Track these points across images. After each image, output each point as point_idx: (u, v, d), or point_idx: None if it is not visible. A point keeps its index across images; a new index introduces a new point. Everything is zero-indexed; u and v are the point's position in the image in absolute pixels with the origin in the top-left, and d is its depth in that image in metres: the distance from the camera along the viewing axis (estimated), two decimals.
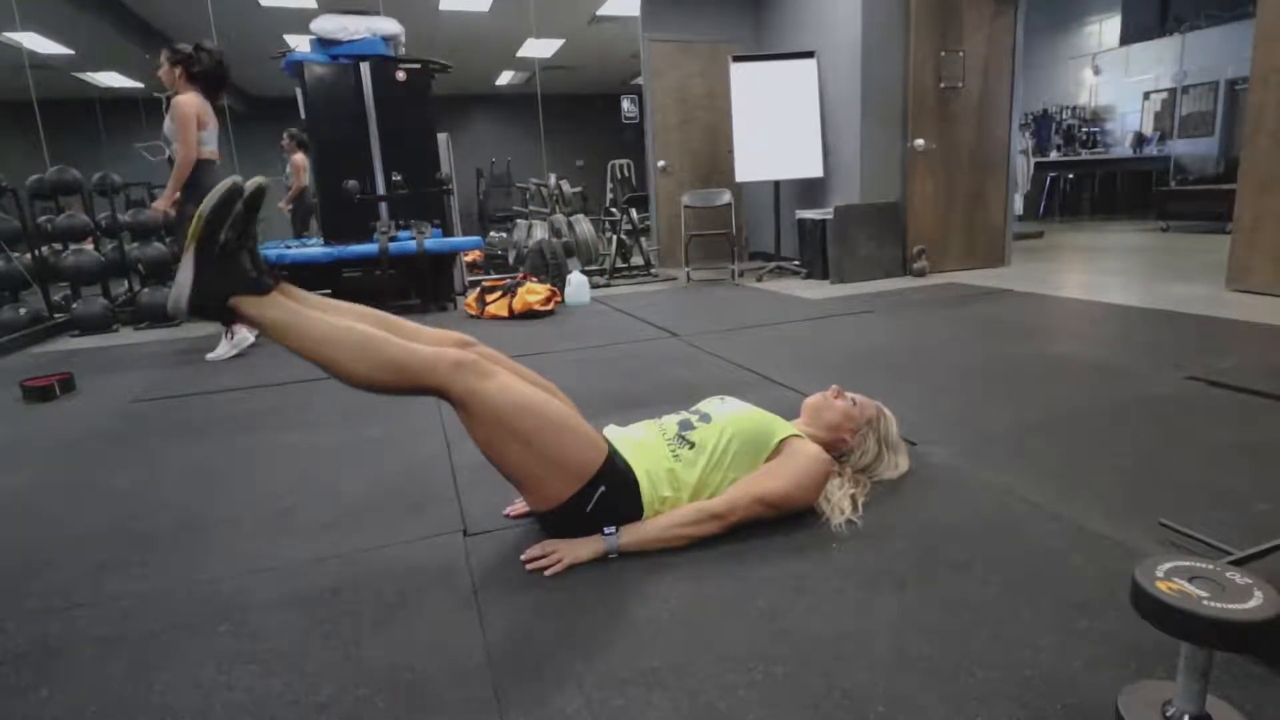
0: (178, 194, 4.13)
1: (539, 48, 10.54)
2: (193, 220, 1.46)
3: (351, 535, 1.88)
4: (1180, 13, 10.86)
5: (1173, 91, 10.94)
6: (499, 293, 5.39)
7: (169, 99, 4.10)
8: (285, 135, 8.00)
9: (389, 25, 6.04)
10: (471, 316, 5.43)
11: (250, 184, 1.52)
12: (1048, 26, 12.12)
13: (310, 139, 6.09)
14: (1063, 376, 3.04)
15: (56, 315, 5.78)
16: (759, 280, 6.70)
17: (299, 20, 7.63)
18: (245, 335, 4.30)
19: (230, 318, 1.54)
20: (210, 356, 4.18)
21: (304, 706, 1.23)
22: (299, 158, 7.91)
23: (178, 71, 4.09)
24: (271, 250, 5.51)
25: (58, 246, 6.10)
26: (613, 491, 1.65)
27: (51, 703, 1.28)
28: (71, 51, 9.14)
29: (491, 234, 9.86)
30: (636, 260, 7.77)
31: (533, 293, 5.33)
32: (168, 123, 4.12)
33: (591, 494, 1.63)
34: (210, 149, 4.20)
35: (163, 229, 6.03)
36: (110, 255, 6.14)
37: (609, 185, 9.82)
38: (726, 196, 6.87)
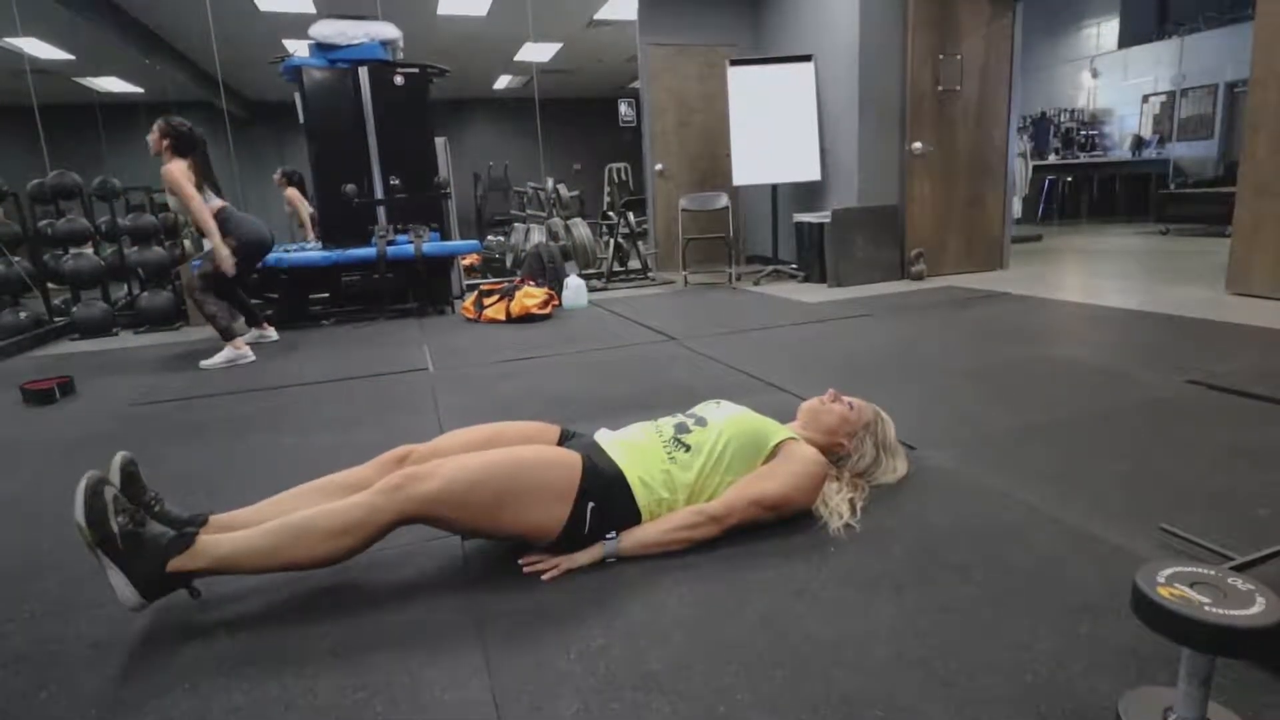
0: (219, 236, 4.29)
1: (536, 52, 10.54)
2: (78, 532, 1.39)
3: None
4: (1179, 15, 10.87)
5: (1171, 94, 10.95)
6: (496, 296, 5.39)
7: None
8: (278, 172, 8.04)
9: (387, 30, 6.05)
10: (469, 320, 5.43)
11: (114, 464, 1.51)
12: (1046, 29, 12.14)
13: (309, 143, 6.08)
14: (1062, 380, 3.04)
15: (56, 319, 5.78)
16: (756, 284, 6.70)
17: (298, 25, 7.62)
18: (247, 352, 4.29)
19: (184, 582, 1.48)
20: (204, 364, 4.17)
21: (302, 710, 1.23)
22: (291, 193, 7.93)
23: (166, 143, 4.20)
24: (270, 255, 5.50)
25: (58, 250, 6.10)
26: (603, 502, 1.65)
27: (51, 705, 1.28)
28: (72, 57, 9.13)
29: (489, 238, 9.86)
30: (634, 264, 7.77)
31: (530, 296, 5.33)
32: (168, 196, 4.33)
33: (583, 512, 1.62)
34: (216, 202, 4.33)
35: (163, 232, 6.03)
36: (110, 259, 6.15)
37: (606, 189, 9.83)
38: (724, 200, 6.87)
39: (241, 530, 1.52)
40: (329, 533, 1.49)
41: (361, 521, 1.49)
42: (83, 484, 1.39)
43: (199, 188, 4.23)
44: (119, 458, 1.55)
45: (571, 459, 1.67)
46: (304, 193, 7.89)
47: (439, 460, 1.59)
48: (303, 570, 1.55)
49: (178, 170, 4.14)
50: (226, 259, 4.28)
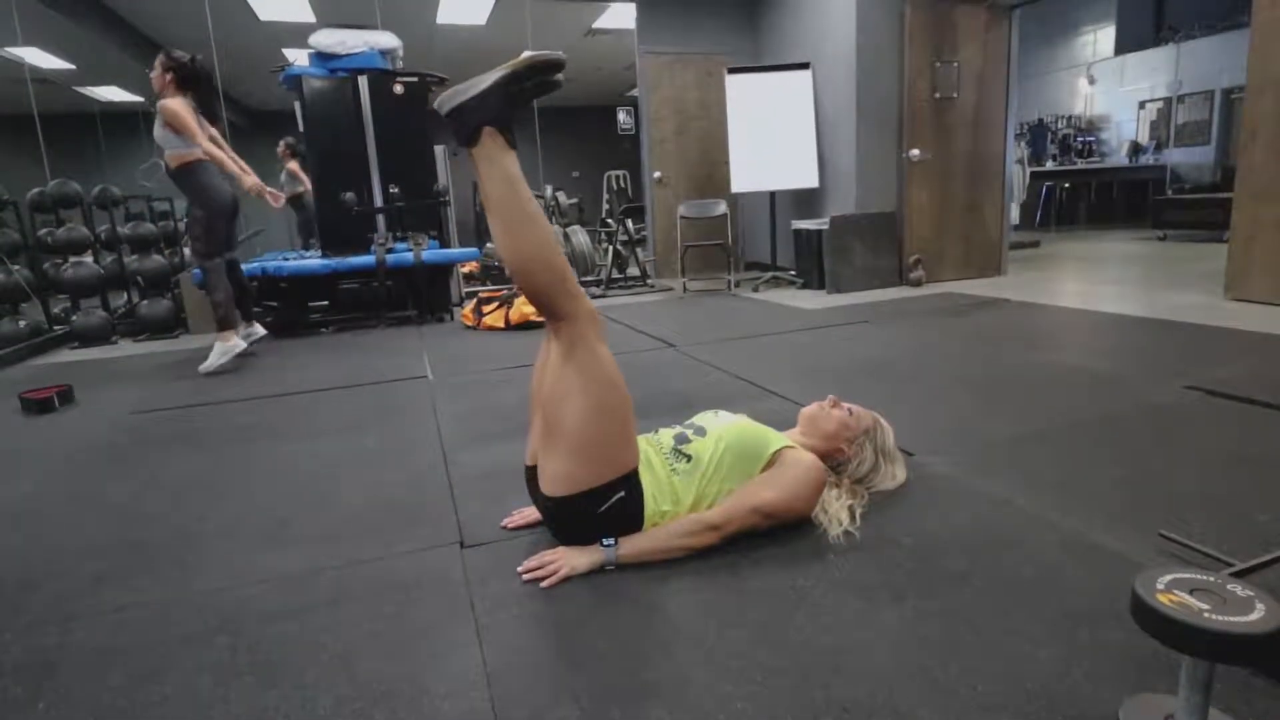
0: (232, 166, 4.27)
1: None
2: (520, 58, 1.55)
3: (348, 547, 1.88)
4: (1175, 22, 10.90)
5: (1168, 101, 10.98)
6: (496, 304, 5.40)
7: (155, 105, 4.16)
8: (282, 144, 8.03)
9: (387, 39, 6.07)
10: (468, 327, 5.43)
11: (563, 64, 1.61)
12: (1042, 36, 12.17)
13: (309, 152, 6.10)
14: (1061, 386, 3.04)
15: (56, 327, 5.78)
16: (755, 290, 6.71)
17: (298, 35, 7.65)
18: (238, 342, 4.29)
19: (471, 142, 1.57)
20: (203, 368, 4.17)
21: (301, 718, 1.23)
22: (294, 165, 7.93)
23: (169, 77, 4.14)
24: (270, 262, 5.51)
25: (58, 259, 6.11)
26: (627, 501, 1.65)
27: (49, 715, 1.27)
28: (72, 66, 9.16)
29: (488, 245, 9.85)
30: (633, 271, 7.78)
31: (529, 304, 5.32)
32: (158, 128, 4.17)
33: (610, 495, 1.63)
34: (199, 150, 4.21)
35: (162, 241, 6.03)
36: (110, 268, 6.15)
37: (605, 196, 9.85)
38: (722, 207, 6.88)
39: (525, 187, 1.62)
40: (551, 258, 1.61)
41: (566, 285, 1.60)
42: (559, 54, 1.57)
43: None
44: (559, 55, 1.61)
45: (638, 455, 1.71)
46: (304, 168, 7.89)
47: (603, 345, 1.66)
48: (500, 238, 1.60)
49: (179, 104, 4.08)
50: (254, 187, 4.28)
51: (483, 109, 1.55)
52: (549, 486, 1.66)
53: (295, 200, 7.85)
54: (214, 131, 4.32)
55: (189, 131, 4.07)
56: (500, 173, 1.57)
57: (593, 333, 1.60)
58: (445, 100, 1.57)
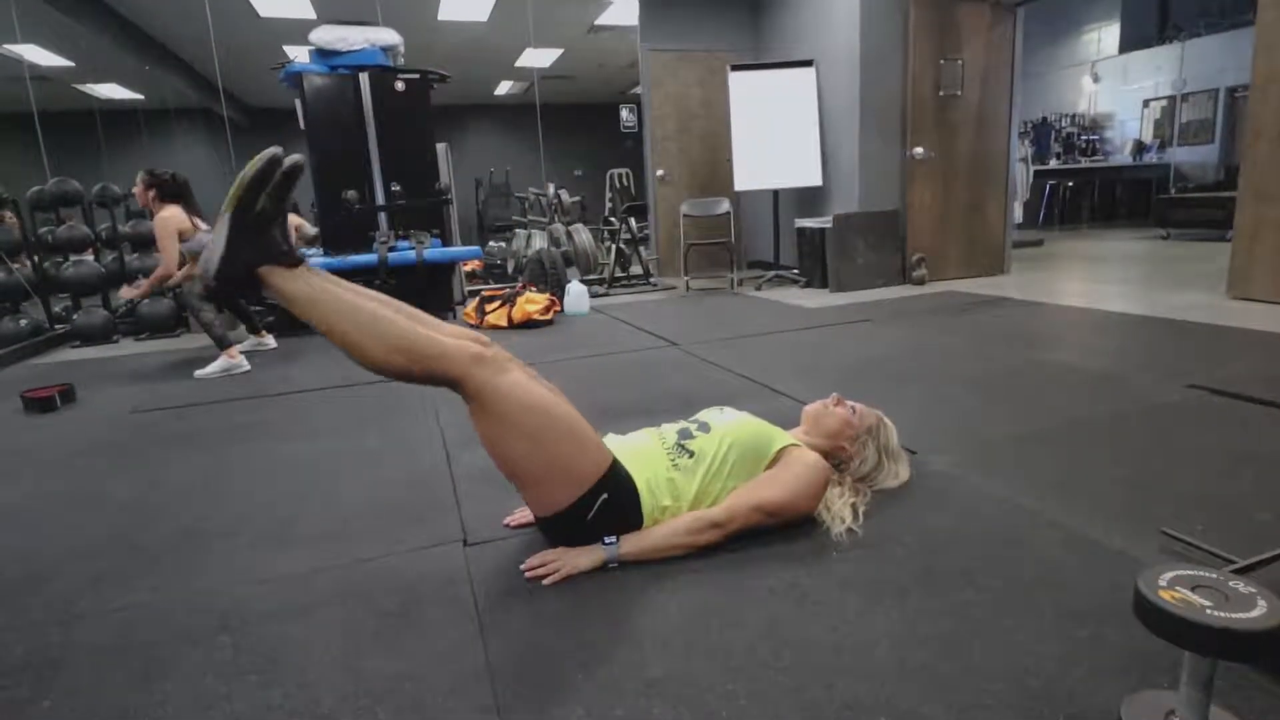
0: (141, 285, 4.49)
1: (537, 57, 10.56)
2: (233, 185, 1.47)
3: (352, 545, 1.88)
4: (1179, 20, 10.89)
5: (1172, 99, 10.97)
6: (498, 302, 5.40)
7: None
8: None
9: (388, 36, 6.06)
10: (471, 326, 5.43)
11: (289, 159, 1.53)
12: (1046, 34, 12.16)
13: (309, 149, 6.09)
14: (1063, 385, 3.04)
15: (57, 326, 5.78)
16: (758, 289, 6.70)
17: (298, 31, 7.65)
18: (242, 361, 4.27)
19: (255, 290, 1.52)
20: (199, 374, 4.16)
21: (305, 717, 1.23)
22: (291, 219, 7.90)
23: (151, 194, 4.30)
24: None
25: (58, 258, 6.11)
26: (615, 500, 1.65)
27: (53, 714, 1.28)
28: (72, 63, 9.16)
29: (490, 243, 9.87)
30: (635, 269, 7.78)
31: (532, 302, 5.33)
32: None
33: (593, 501, 1.62)
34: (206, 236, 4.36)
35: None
36: (110, 266, 6.15)
37: (608, 194, 9.83)
38: (725, 205, 6.88)
39: (334, 287, 1.56)
40: (400, 345, 1.52)
41: (432, 358, 1.52)
42: (270, 152, 1.45)
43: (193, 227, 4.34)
44: (293, 158, 1.55)
45: (606, 452, 1.68)
46: (297, 213, 7.87)
47: (518, 368, 1.62)
48: (348, 353, 1.53)
49: (165, 220, 4.23)
50: (126, 295, 4.47)
51: (238, 259, 1.48)
52: (533, 510, 1.69)
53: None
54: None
55: (163, 251, 4.27)
56: (302, 304, 1.51)
57: (489, 374, 1.54)
58: (204, 270, 1.50)
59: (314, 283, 1.53)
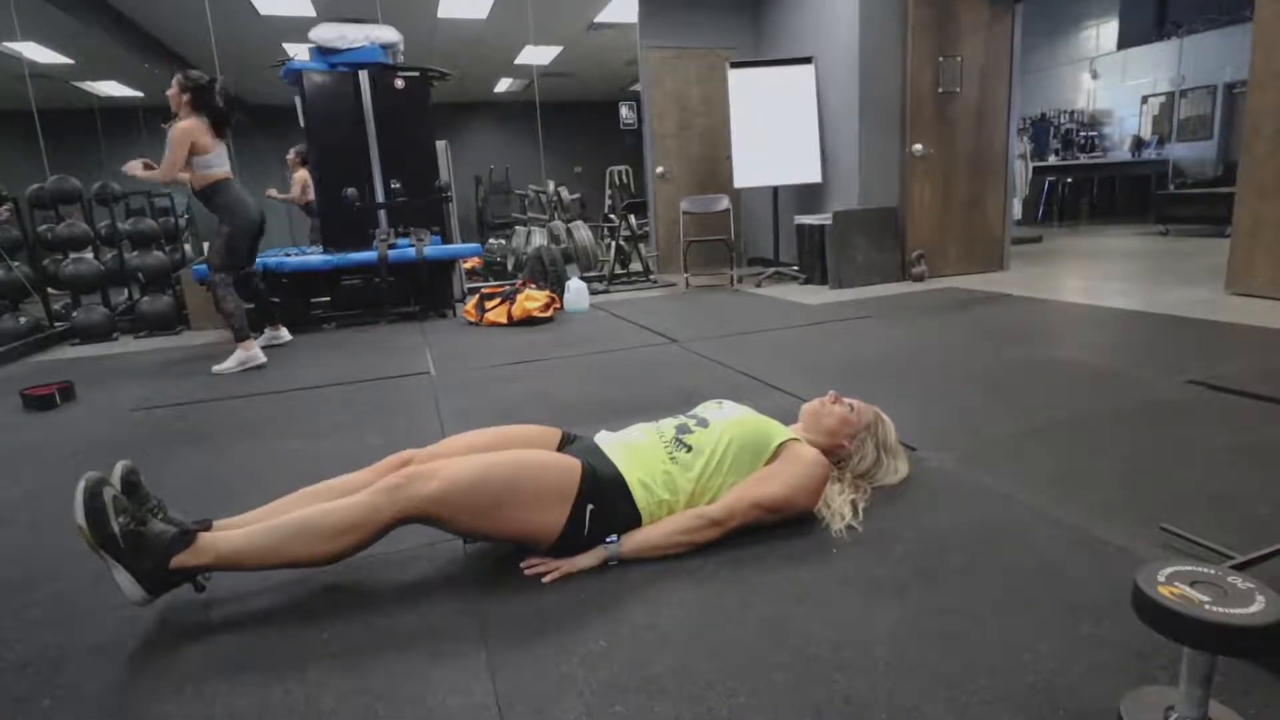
0: (151, 170, 4.23)
1: (537, 55, 10.55)
2: (79, 533, 1.41)
3: None
4: (1178, 17, 10.88)
5: (1171, 95, 10.96)
6: (498, 300, 5.40)
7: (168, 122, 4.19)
8: (292, 152, 8.00)
9: (388, 34, 6.06)
10: (470, 323, 5.43)
11: (115, 473, 1.52)
12: (1045, 31, 12.15)
13: (310, 147, 6.10)
14: (1063, 381, 3.04)
15: (57, 324, 5.78)
16: (758, 286, 6.70)
17: (298, 29, 7.64)
18: (257, 354, 4.27)
19: (188, 577, 1.50)
20: (216, 369, 4.17)
21: (305, 715, 1.23)
22: (302, 174, 7.91)
23: (185, 97, 4.15)
24: (271, 259, 5.51)
25: (58, 255, 6.11)
26: (603, 504, 1.65)
27: (54, 712, 1.28)
28: (71, 61, 9.15)
29: (490, 241, 9.86)
30: (635, 266, 7.77)
31: (532, 299, 5.33)
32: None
33: (582, 515, 1.62)
34: (222, 170, 4.27)
35: (163, 237, 6.02)
36: (110, 264, 6.15)
37: (608, 191, 9.83)
38: (725, 202, 6.87)
39: (243, 531, 1.53)
40: (330, 531, 1.50)
41: (362, 521, 1.50)
42: (81, 485, 1.41)
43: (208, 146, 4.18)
44: (119, 467, 1.56)
45: (570, 463, 1.67)
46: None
47: (441, 461, 1.60)
48: (304, 568, 1.55)
49: (182, 130, 4.08)
50: (134, 170, 4.24)
51: (149, 575, 1.44)
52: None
53: (307, 207, 7.83)
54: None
55: (169, 163, 4.09)
56: (229, 562, 1.48)
57: (413, 492, 1.51)
58: (138, 601, 1.45)
59: (227, 541, 1.49)
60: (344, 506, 1.52)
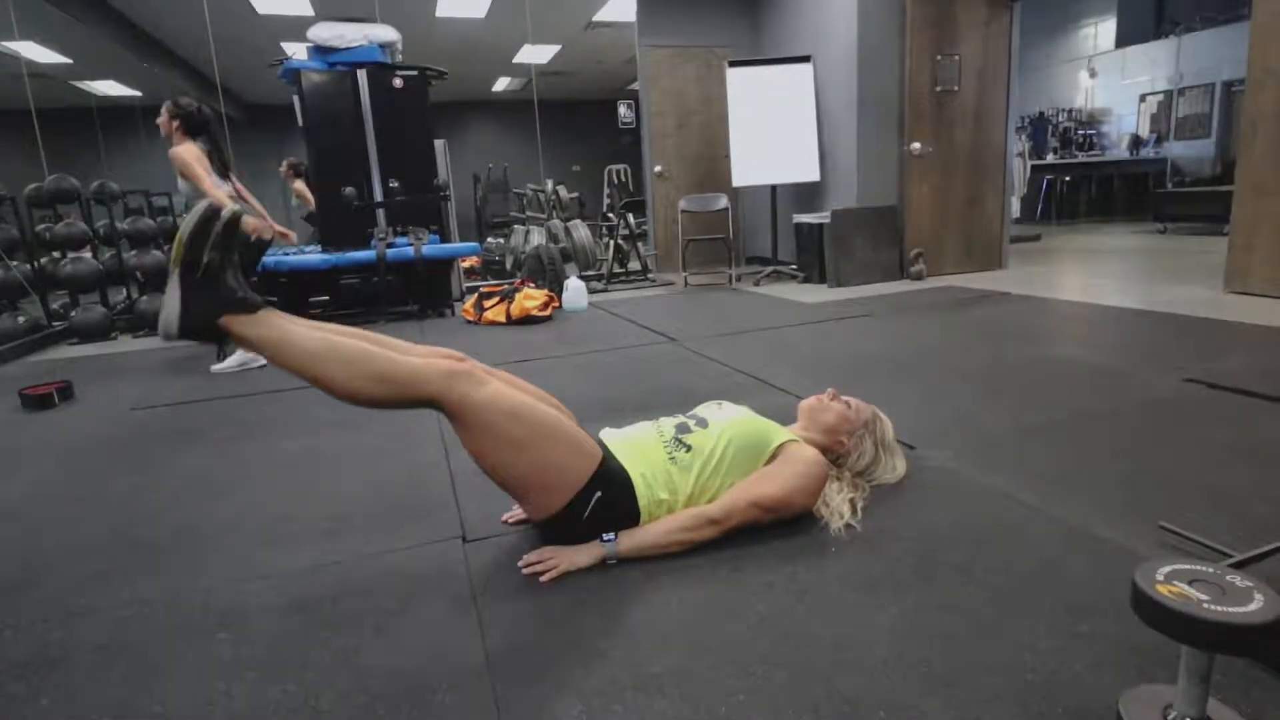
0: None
1: (535, 54, 10.54)
2: (174, 244, 1.47)
3: (351, 542, 1.88)
4: (1176, 15, 10.88)
5: (1169, 94, 10.97)
6: (497, 298, 5.39)
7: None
8: (284, 164, 8.00)
9: (386, 33, 6.05)
10: (469, 322, 5.43)
11: (226, 211, 1.53)
12: (1043, 30, 12.15)
13: (308, 146, 6.09)
14: (1061, 379, 3.04)
15: (55, 323, 5.77)
16: (756, 284, 6.70)
17: (296, 28, 7.63)
18: (257, 355, 4.27)
19: (222, 338, 1.53)
20: (215, 368, 4.17)
21: (304, 713, 1.23)
22: (299, 185, 7.91)
23: (175, 124, 4.17)
24: (269, 258, 5.50)
25: (56, 255, 6.10)
26: (609, 496, 1.65)
27: (52, 711, 1.28)
28: (69, 60, 9.14)
29: (489, 240, 9.86)
30: (634, 265, 7.77)
31: (530, 298, 5.33)
32: (180, 181, 4.21)
33: (587, 500, 1.63)
34: (225, 188, 4.26)
35: (161, 236, 6.01)
36: (108, 263, 6.15)
37: (606, 190, 9.83)
38: (723, 201, 6.87)
39: (298, 327, 1.55)
40: (373, 373, 1.52)
41: (406, 381, 1.52)
42: (205, 205, 1.46)
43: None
44: (230, 208, 1.56)
45: (595, 449, 1.69)
46: (309, 184, 7.87)
47: (497, 379, 1.62)
48: (326, 392, 1.53)
49: (187, 152, 4.08)
50: (257, 225, 4.26)
51: (197, 314, 1.48)
52: (529, 515, 1.69)
53: (309, 219, 7.82)
54: (234, 180, 4.35)
55: (195, 179, 4.07)
56: (270, 348, 1.51)
57: (467, 390, 1.54)
58: (165, 331, 1.50)
59: (279, 325, 1.53)
60: (396, 360, 1.54)
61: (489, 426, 1.55)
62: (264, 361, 4.21)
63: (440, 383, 1.53)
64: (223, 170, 4.31)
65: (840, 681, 1.22)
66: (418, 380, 1.53)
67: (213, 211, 1.48)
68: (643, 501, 1.69)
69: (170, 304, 1.47)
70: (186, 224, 1.45)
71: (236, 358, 4.20)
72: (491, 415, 1.55)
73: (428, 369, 1.54)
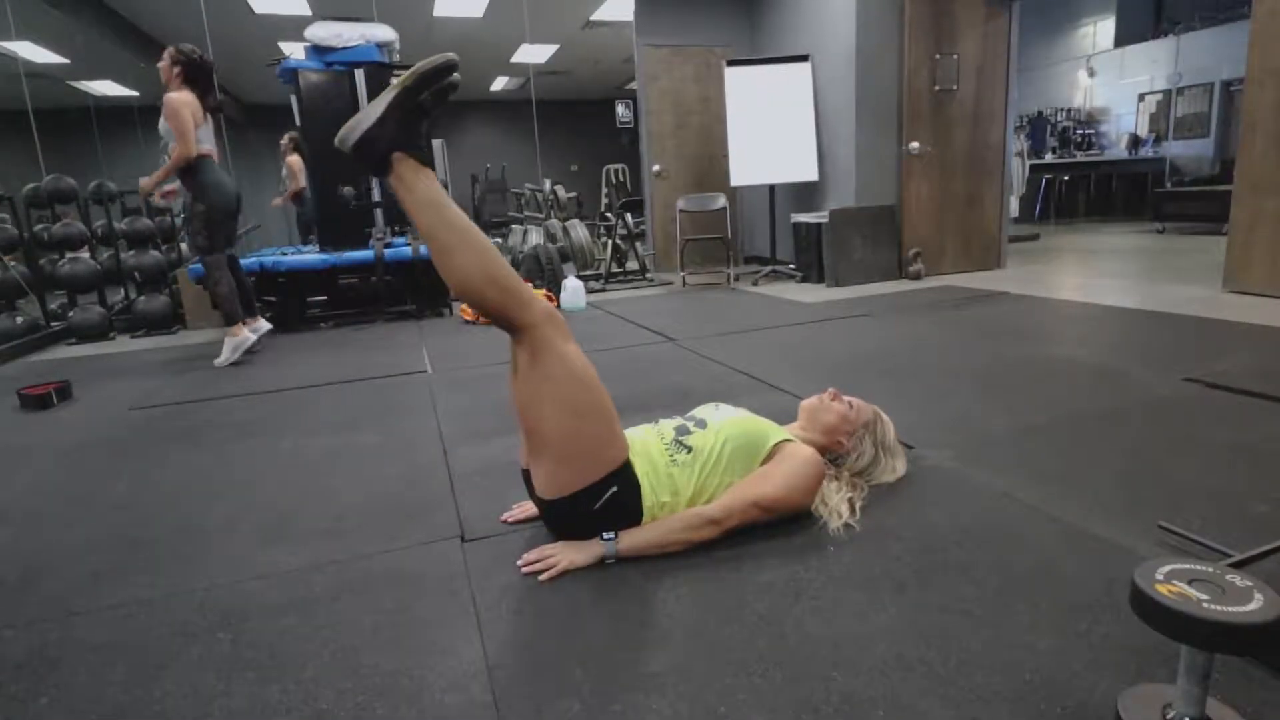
0: (165, 181, 4.26)
1: (533, 53, 10.55)
2: (408, 72, 1.52)
3: (349, 542, 1.88)
4: (1174, 14, 10.89)
5: (1167, 93, 10.97)
6: None
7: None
8: (286, 137, 7.99)
9: (383, 32, 6.04)
10: (467, 322, 5.43)
11: (456, 76, 1.58)
12: (1042, 29, 12.15)
13: (305, 146, 6.09)
14: (1060, 379, 3.04)
15: (53, 323, 5.77)
16: (755, 284, 6.70)
17: (294, 27, 7.63)
18: (246, 335, 4.28)
19: (383, 170, 1.56)
20: (218, 362, 4.20)
21: (303, 713, 1.23)
22: (294, 159, 7.90)
23: (176, 70, 4.17)
24: (267, 257, 5.50)
25: (54, 255, 6.10)
26: (621, 496, 1.65)
27: (51, 711, 1.28)
28: (67, 60, 9.13)
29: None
30: (632, 265, 7.77)
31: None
32: (163, 121, 4.18)
33: (603, 492, 1.63)
34: (207, 146, 4.26)
35: (159, 236, 6.01)
36: (106, 263, 6.14)
37: (604, 190, 9.83)
38: (722, 200, 6.87)
39: (452, 203, 1.60)
40: (494, 274, 1.56)
41: (514, 295, 1.57)
42: (446, 57, 1.53)
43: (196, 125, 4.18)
44: (456, 77, 1.59)
45: (626, 446, 1.70)
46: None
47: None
48: (442, 266, 1.57)
49: (180, 100, 4.09)
50: (146, 185, 4.30)
51: (384, 135, 1.53)
52: (542, 490, 1.68)
53: (296, 196, 7.83)
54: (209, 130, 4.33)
55: (180, 125, 4.07)
56: (420, 197, 1.55)
57: (555, 335, 1.59)
58: (346, 136, 1.55)
59: (436, 188, 1.57)
60: (516, 276, 1.59)
61: (557, 379, 1.58)
62: (254, 338, 4.24)
63: (539, 316, 1.57)
64: (213, 110, 4.34)
65: (839, 681, 1.22)
66: (524, 303, 1.57)
67: (450, 67, 1.53)
68: (648, 502, 1.69)
69: (371, 113, 1.52)
70: (429, 62, 1.51)
71: (230, 345, 4.23)
72: (565, 367, 1.58)
73: (535, 300, 1.59)
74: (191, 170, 4.20)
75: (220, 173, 4.32)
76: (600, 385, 1.63)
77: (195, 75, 4.19)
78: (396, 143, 1.53)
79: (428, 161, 1.57)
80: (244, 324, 4.65)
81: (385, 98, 1.52)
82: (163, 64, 4.17)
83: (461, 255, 1.55)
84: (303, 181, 7.71)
